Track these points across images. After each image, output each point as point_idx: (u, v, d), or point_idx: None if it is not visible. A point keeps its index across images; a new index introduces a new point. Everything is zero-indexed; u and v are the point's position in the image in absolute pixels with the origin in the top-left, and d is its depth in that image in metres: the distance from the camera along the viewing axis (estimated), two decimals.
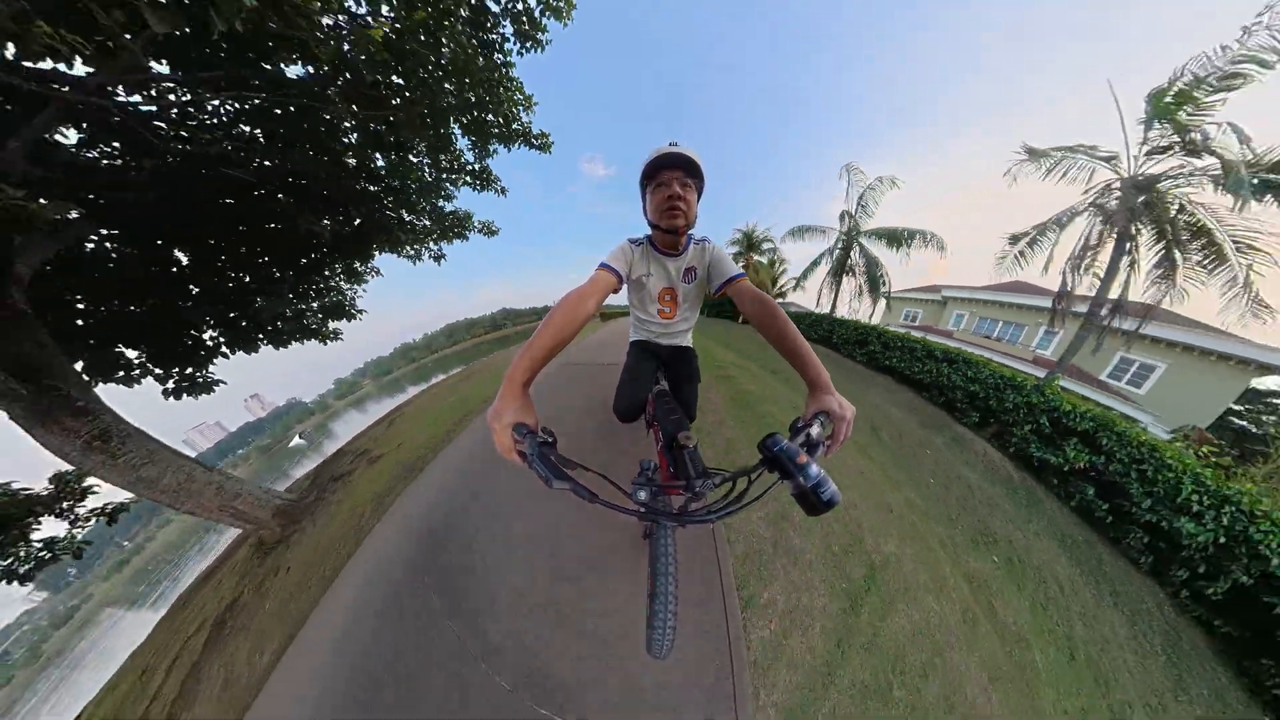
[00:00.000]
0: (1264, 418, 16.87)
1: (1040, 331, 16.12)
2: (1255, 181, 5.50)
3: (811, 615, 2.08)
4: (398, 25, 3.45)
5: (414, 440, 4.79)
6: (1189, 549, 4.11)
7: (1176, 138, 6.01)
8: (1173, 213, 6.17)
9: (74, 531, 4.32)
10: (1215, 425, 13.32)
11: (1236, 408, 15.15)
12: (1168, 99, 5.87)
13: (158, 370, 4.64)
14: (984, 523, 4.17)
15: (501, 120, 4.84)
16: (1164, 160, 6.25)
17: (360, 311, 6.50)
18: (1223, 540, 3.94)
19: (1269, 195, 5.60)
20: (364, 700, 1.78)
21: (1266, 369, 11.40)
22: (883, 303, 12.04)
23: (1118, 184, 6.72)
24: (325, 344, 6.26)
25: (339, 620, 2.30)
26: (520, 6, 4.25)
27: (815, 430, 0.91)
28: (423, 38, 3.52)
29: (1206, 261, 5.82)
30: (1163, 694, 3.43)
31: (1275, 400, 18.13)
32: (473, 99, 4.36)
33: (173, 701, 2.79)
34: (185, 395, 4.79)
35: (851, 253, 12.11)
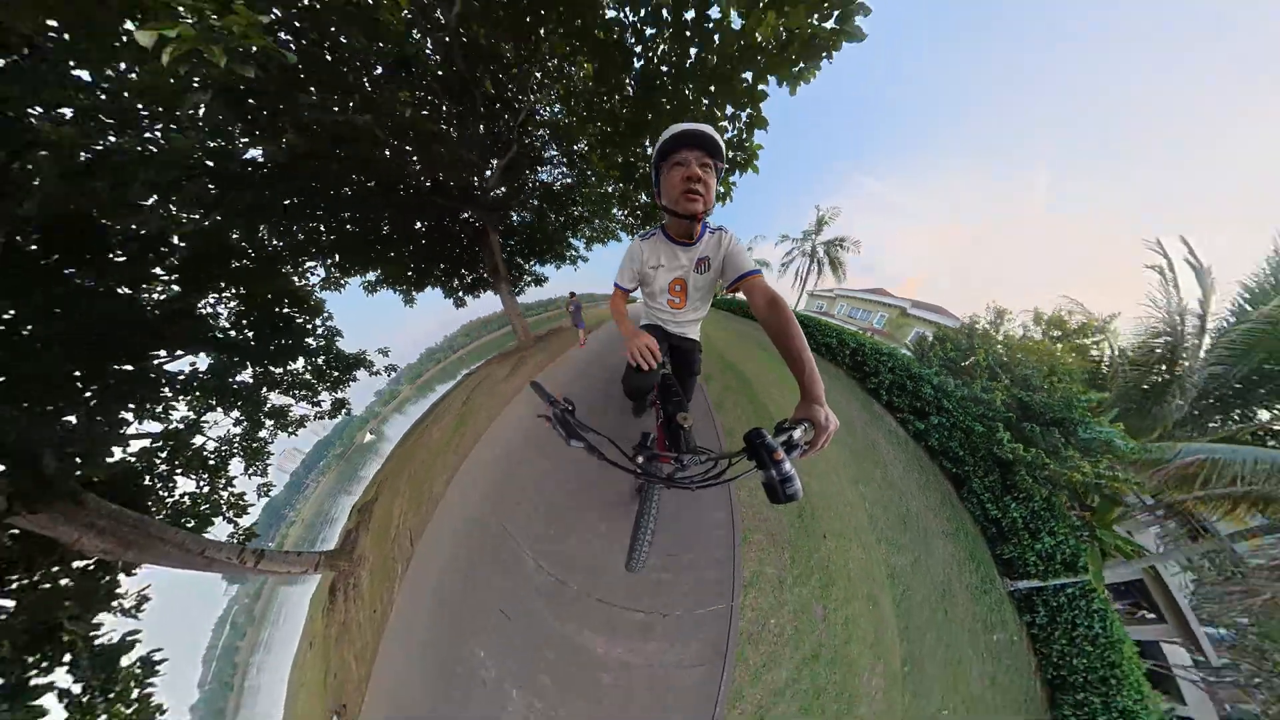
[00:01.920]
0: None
1: (876, 314, 27.59)
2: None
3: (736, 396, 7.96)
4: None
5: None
6: (877, 375, 7.96)
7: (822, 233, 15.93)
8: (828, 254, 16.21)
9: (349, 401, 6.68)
10: None
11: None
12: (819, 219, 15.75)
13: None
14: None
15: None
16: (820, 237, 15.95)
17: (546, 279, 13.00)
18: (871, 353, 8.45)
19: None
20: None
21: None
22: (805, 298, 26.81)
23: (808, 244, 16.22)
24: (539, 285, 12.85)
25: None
26: None
27: (797, 434, 1.01)
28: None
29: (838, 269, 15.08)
30: (868, 421, 7.02)
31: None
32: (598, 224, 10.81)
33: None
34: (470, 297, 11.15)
35: None
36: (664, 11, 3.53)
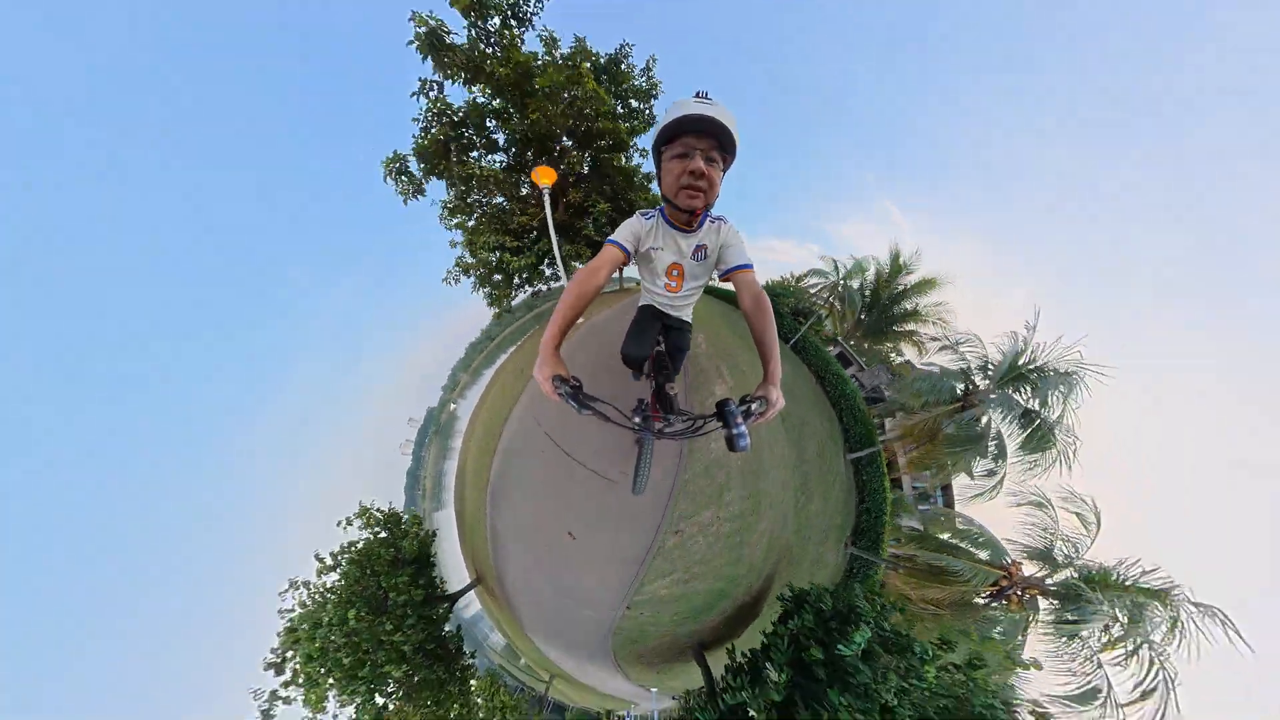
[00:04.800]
0: None
1: None
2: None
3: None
4: None
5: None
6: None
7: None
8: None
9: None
10: None
11: None
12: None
13: None
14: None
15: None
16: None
17: None
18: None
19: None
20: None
21: None
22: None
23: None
24: None
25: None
26: None
27: (755, 405, 1.40)
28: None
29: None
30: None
31: None
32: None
33: None
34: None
35: None
36: None
